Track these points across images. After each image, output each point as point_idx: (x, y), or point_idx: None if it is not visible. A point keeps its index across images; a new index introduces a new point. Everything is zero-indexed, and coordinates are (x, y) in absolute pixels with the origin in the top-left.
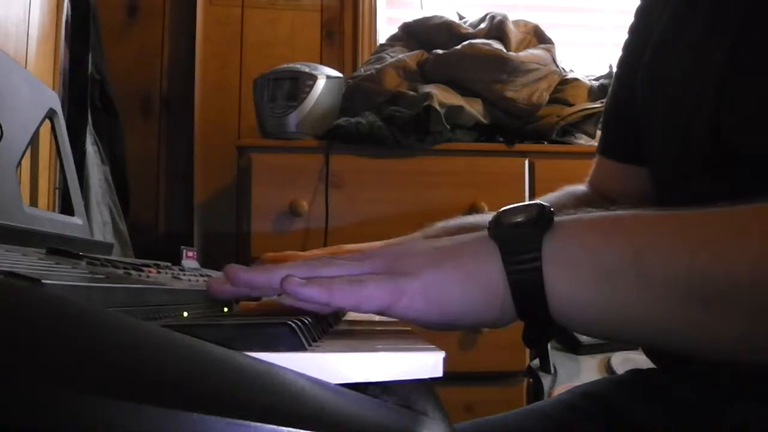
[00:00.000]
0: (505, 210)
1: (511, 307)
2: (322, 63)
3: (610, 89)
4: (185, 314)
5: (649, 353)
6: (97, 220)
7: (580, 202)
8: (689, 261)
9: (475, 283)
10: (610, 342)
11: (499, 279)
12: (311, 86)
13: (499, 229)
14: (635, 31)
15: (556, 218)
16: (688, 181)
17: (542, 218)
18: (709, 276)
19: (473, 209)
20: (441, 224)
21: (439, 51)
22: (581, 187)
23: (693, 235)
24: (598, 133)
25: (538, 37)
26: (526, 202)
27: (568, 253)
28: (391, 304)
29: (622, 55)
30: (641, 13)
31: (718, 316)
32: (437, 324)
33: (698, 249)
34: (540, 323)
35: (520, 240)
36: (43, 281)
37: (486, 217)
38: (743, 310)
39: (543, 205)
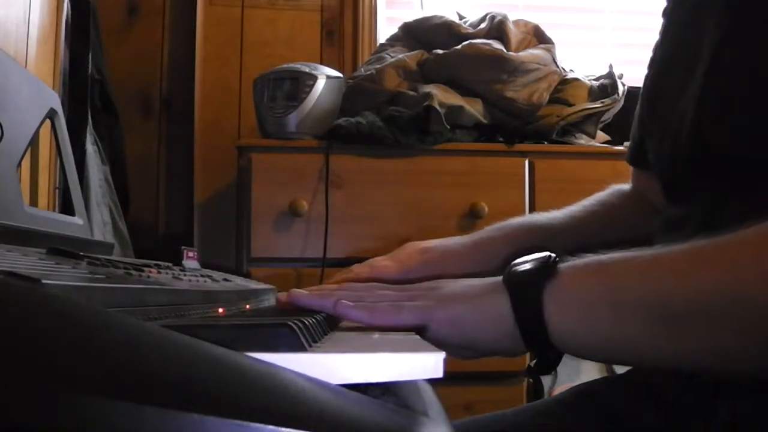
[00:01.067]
0: (517, 261)
1: (520, 340)
2: (322, 63)
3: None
4: (220, 310)
5: None
6: (97, 220)
7: (626, 200)
8: (654, 287)
9: (489, 318)
10: None
11: (508, 317)
12: (311, 86)
13: (510, 276)
14: (664, 15)
15: (559, 265)
16: (684, 184)
17: (545, 268)
18: (672, 298)
19: (473, 209)
20: (513, 223)
21: (439, 51)
22: (627, 186)
23: (660, 265)
24: (599, 133)
25: (538, 37)
26: (537, 255)
27: (561, 294)
28: (421, 325)
29: (652, 56)
30: (665, 16)
31: (684, 337)
32: (458, 347)
33: (662, 276)
34: (545, 352)
35: (527, 286)
36: (43, 281)
37: (545, 216)
38: (704, 330)
39: (549, 255)
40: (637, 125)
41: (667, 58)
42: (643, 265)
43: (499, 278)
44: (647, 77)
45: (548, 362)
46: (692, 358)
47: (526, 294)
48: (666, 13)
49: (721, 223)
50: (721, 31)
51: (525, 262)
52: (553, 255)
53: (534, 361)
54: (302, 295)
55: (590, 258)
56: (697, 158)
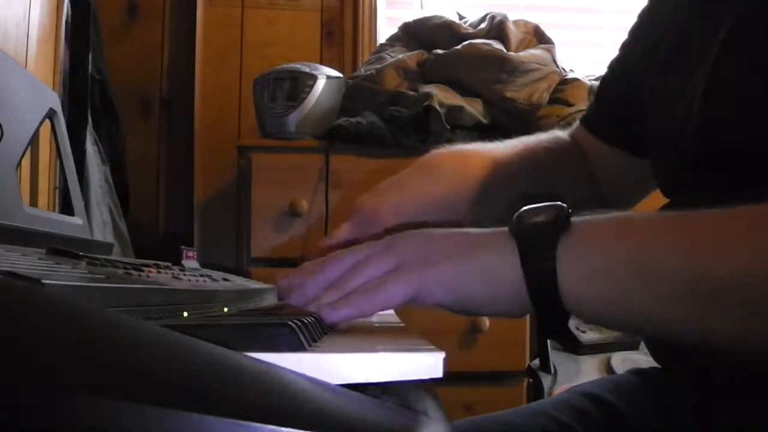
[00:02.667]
0: (526, 209)
1: (526, 300)
2: (322, 63)
3: (606, 70)
4: (185, 314)
5: (651, 351)
6: (97, 220)
7: (560, 148)
8: (690, 260)
9: (494, 276)
10: (611, 342)
11: (514, 273)
12: (311, 86)
13: (519, 227)
14: (644, 16)
15: (573, 219)
16: (684, 179)
17: (560, 220)
18: (709, 274)
19: None
20: (463, 155)
21: (439, 51)
22: (565, 135)
23: (694, 235)
24: None
25: (538, 37)
26: (547, 203)
27: (579, 253)
28: (412, 296)
29: (627, 39)
30: (642, 16)
31: (717, 313)
32: (457, 311)
33: (698, 248)
34: (554, 315)
35: (539, 240)
36: (43, 281)
37: (487, 145)
38: (741, 306)
39: (562, 206)
40: (604, 94)
41: (669, 53)
42: (675, 228)
43: (503, 228)
44: (607, 76)
45: (555, 324)
46: (726, 334)
47: (537, 247)
48: (644, 14)
49: None
50: (730, 25)
51: (535, 212)
52: (566, 205)
53: (539, 323)
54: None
55: (610, 214)
56: (703, 152)
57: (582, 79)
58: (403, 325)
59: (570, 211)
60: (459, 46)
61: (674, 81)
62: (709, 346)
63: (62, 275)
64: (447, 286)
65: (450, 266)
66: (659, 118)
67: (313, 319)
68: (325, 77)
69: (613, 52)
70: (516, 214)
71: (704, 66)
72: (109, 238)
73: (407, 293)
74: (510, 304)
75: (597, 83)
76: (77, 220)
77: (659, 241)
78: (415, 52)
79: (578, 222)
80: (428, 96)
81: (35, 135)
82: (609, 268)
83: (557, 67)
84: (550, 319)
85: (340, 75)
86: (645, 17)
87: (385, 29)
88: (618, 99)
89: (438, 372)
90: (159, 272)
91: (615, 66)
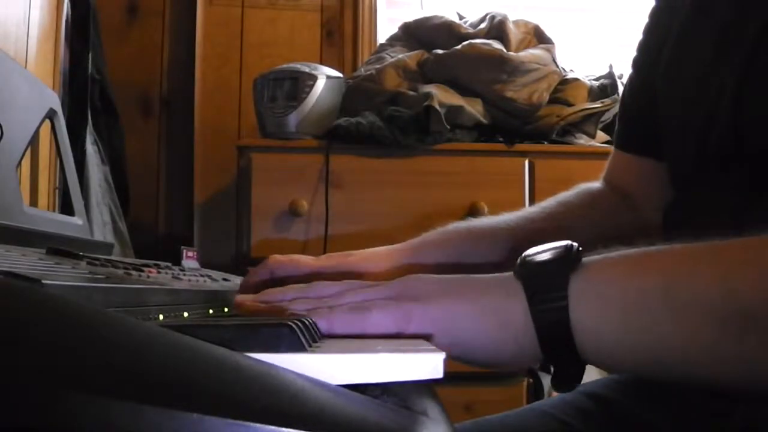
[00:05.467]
0: (531, 251)
1: (531, 348)
2: (322, 63)
3: (627, 78)
4: (185, 314)
5: None
6: (97, 220)
7: (595, 200)
8: (724, 289)
9: (489, 319)
10: None
11: (519, 318)
12: (311, 86)
13: (524, 268)
14: (655, 15)
15: (585, 258)
16: (706, 179)
17: (569, 257)
18: (746, 304)
19: (473, 209)
20: (451, 227)
21: (439, 51)
22: (596, 185)
23: (726, 262)
24: (599, 133)
25: (538, 37)
26: (555, 243)
27: (595, 290)
28: (397, 331)
29: (642, 39)
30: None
31: (758, 346)
32: (454, 358)
33: (732, 276)
34: (568, 365)
35: (547, 279)
36: (43, 281)
37: (494, 219)
38: None
39: (571, 244)
40: (629, 105)
41: (675, 51)
42: (700, 254)
43: (506, 273)
44: (632, 77)
45: (569, 377)
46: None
47: (546, 286)
48: (654, 12)
49: (754, 222)
50: (759, 26)
51: (541, 252)
52: (576, 244)
53: (551, 376)
54: (250, 302)
55: (626, 250)
56: (731, 153)
57: (582, 79)
58: None
59: (580, 249)
60: (459, 46)
61: (685, 80)
62: (751, 389)
63: (62, 275)
64: (439, 327)
65: (441, 303)
66: (675, 116)
67: (313, 320)
68: (325, 77)
69: (613, 52)
70: (520, 257)
71: (726, 66)
72: (109, 238)
73: (389, 326)
74: (508, 352)
75: (597, 84)
76: (77, 220)
77: (684, 270)
78: (415, 52)
79: (591, 259)
80: (428, 96)
81: (35, 135)
82: (630, 303)
83: (557, 67)
84: (562, 367)
85: (340, 75)
86: (655, 16)
87: (385, 29)
88: (646, 97)
89: (438, 373)
90: (159, 272)
91: (636, 59)
